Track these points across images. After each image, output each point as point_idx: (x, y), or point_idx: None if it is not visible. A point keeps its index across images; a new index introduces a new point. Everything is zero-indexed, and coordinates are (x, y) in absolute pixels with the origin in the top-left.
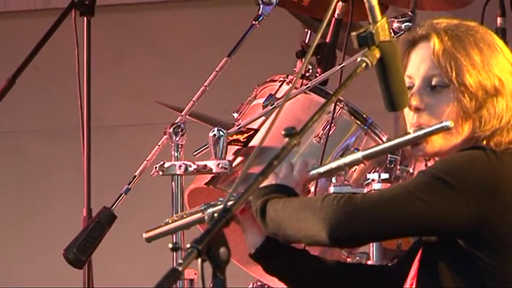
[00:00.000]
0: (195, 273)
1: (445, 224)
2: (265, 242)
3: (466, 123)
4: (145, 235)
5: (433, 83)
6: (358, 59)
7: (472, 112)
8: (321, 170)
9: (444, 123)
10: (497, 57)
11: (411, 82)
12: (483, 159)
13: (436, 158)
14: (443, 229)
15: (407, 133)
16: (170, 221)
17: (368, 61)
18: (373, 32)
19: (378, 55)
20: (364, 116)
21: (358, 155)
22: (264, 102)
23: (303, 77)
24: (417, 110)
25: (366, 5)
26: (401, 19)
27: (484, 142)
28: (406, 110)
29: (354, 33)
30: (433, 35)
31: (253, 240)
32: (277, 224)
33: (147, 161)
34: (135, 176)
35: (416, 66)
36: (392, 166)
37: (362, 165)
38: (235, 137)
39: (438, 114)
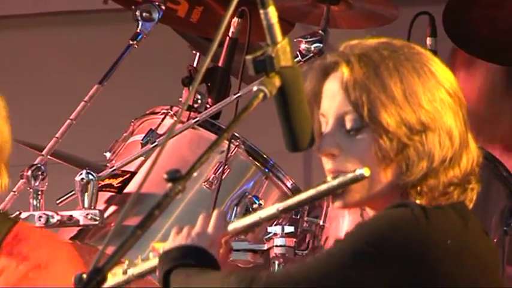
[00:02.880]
0: None
1: None
2: None
3: (389, 168)
4: None
5: (347, 122)
6: (255, 88)
7: (394, 155)
8: (238, 225)
9: (358, 172)
10: (426, 83)
11: (326, 121)
12: (409, 221)
13: (368, 209)
14: None
15: (324, 181)
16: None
17: (266, 90)
18: (272, 55)
19: (277, 83)
20: (265, 156)
21: (274, 208)
22: (143, 139)
23: (190, 108)
24: (332, 155)
25: (264, 23)
26: (310, 39)
27: (417, 188)
28: None
29: (249, 57)
30: (342, 63)
31: None
32: None
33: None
34: None
35: (328, 103)
36: (298, 217)
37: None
38: (107, 181)
39: (356, 159)
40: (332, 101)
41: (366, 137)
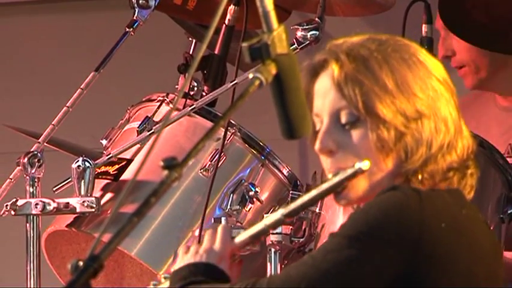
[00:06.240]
0: None
1: None
2: None
3: (389, 157)
4: None
5: (342, 118)
6: (251, 76)
7: (393, 144)
8: (245, 236)
9: (358, 166)
10: (416, 73)
11: (320, 121)
12: (402, 204)
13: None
14: None
15: (325, 180)
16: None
17: (262, 78)
18: (268, 43)
19: (273, 71)
20: (261, 143)
21: (278, 214)
22: (139, 127)
23: (186, 96)
24: (330, 153)
25: (260, 10)
26: (307, 27)
27: (417, 175)
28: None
29: (245, 44)
30: (331, 61)
31: None
32: None
33: None
34: None
35: (321, 101)
36: None
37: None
38: (104, 168)
39: (355, 153)
40: (325, 98)
41: (362, 130)
